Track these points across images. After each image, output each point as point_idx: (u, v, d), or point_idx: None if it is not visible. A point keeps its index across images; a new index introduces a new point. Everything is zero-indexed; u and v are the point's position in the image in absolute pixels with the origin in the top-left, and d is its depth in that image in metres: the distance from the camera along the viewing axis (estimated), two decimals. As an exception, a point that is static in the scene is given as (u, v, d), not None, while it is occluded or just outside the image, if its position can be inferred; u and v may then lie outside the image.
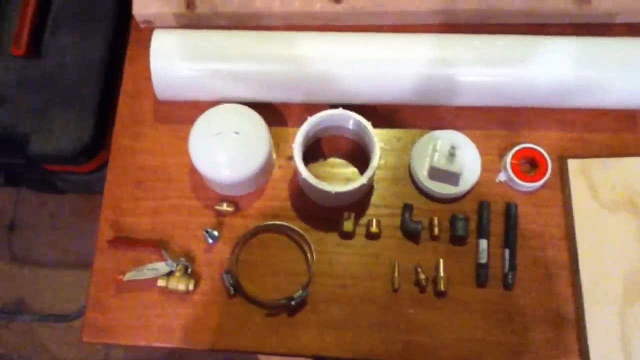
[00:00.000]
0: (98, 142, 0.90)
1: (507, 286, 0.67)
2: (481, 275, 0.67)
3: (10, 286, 1.24)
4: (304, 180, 0.64)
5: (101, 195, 0.71)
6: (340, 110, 0.65)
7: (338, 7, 0.72)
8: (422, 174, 0.69)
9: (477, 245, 0.68)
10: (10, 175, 1.01)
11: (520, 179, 0.68)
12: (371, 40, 0.68)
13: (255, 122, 0.65)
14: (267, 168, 0.68)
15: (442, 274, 0.67)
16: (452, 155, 0.67)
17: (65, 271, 1.25)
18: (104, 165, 0.96)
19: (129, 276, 0.66)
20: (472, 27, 0.74)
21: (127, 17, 0.76)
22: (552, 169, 0.69)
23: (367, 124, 0.64)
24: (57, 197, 1.25)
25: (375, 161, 0.63)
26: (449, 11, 0.72)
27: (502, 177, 0.70)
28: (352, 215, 0.68)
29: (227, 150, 0.64)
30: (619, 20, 0.74)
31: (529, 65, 0.66)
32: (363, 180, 0.63)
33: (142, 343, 0.66)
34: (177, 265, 0.67)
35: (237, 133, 0.64)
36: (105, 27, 0.90)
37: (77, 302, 1.21)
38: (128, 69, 0.75)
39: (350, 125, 0.67)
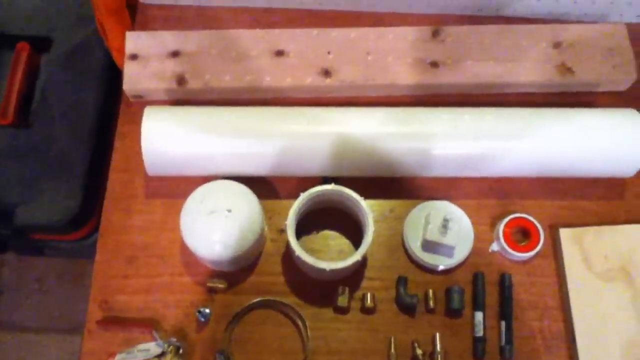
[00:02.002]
0: (86, 212, 0.89)
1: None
2: (478, 350, 0.66)
3: (-6, 354, 1.21)
4: (298, 257, 0.63)
5: (88, 260, 0.70)
6: (332, 187, 0.65)
7: (328, 81, 0.73)
8: (415, 246, 0.69)
9: (473, 318, 0.67)
10: (-5, 243, 1.00)
11: (513, 249, 0.68)
12: (361, 115, 0.69)
13: (248, 199, 0.65)
14: (259, 243, 0.68)
15: (438, 348, 0.66)
16: (445, 227, 0.67)
17: (52, 336, 1.22)
18: (91, 234, 0.95)
19: (119, 359, 0.64)
20: (458, 98, 0.75)
21: (117, 87, 0.76)
22: (545, 238, 0.69)
23: (360, 200, 0.64)
24: (43, 261, 1.23)
25: (369, 237, 0.63)
26: (434, 84, 0.73)
27: (495, 247, 0.70)
28: (347, 289, 0.67)
29: (219, 229, 0.63)
30: (601, 89, 0.76)
31: (520, 138, 0.67)
32: (357, 257, 0.63)
33: None
34: (169, 345, 0.65)
35: (229, 211, 0.63)
36: (94, 98, 0.91)
37: (63, 369, 1.18)
38: (118, 144, 0.74)
39: (343, 199, 0.67)
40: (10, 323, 1.23)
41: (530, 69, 0.73)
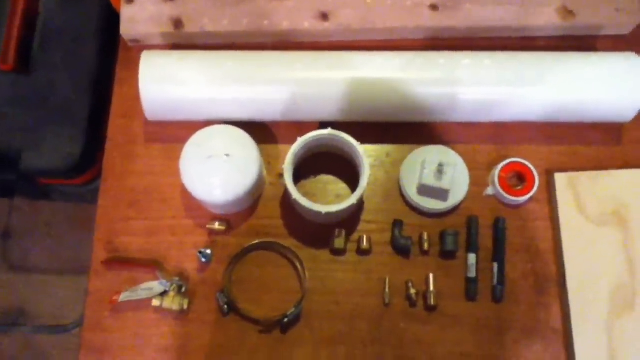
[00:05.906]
0: (89, 157, 0.90)
1: (496, 300, 0.68)
2: (470, 290, 0.68)
3: (8, 295, 1.25)
4: (295, 200, 0.64)
5: (94, 205, 0.72)
6: (328, 131, 0.65)
7: (326, 25, 0.72)
8: (411, 190, 0.70)
9: (466, 260, 0.69)
10: (3, 188, 1.01)
11: (508, 193, 0.69)
12: (361, 59, 0.68)
13: (246, 143, 0.66)
14: (258, 187, 0.69)
15: (432, 288, 0.68)
16: (440, 171, 0.68)
17: (62, 278, 1.26)
18: (96, 178, 0.96)
19: (123, 297, 0.67)
20: (459, 42, 0.74)
21: (116, 33, 0.76)
22: (540, 183, 0.70)
23: (356, 144, 0.65)
24: (51, 205, 1.26)
25: (364, 181, 0.64)
26: (435, 28, 0.72)
27: (490, 191, 0.71)
28: (343, 232, 0.69)
29: (218, 173, 0.64)
30: (604, 32, 0.74)
31: (518, 83, 0.67)
32: (352, 200, 0.64)
33: (139, 362, 0.67)
34: (171, 285, 0.67)
35: (227, 155, 0.64)
36: (94, 43, 0.90)
37: (74, 308, 1.22)
38: (117, 90, 0.75)
39: (340, 144, 0.67)
40: (21, 265, 1.27)
41: (531, 12, 0.72)
